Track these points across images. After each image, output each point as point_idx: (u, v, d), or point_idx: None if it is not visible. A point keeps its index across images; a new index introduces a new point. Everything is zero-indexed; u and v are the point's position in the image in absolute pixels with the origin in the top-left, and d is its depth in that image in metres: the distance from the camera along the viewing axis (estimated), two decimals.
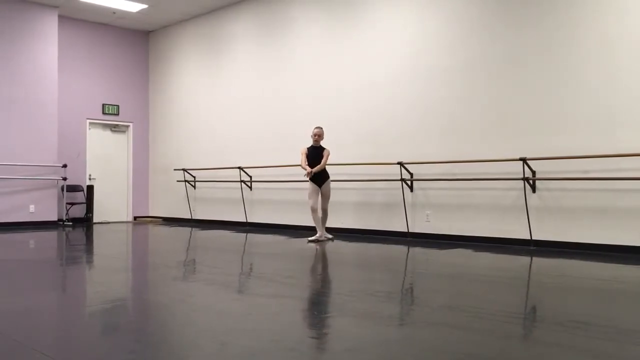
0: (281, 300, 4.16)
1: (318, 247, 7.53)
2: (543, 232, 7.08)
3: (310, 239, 8.14)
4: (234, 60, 11.23)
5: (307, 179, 8.06)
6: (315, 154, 8.06)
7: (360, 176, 8.87)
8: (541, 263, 6.09)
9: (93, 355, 2.78)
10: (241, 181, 10.73)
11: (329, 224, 8.59)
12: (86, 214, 11.91)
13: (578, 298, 4.29)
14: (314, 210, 8.06)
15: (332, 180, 8.64)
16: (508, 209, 7.37)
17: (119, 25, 12.64)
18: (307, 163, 8.06)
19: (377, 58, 8.80)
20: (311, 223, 9.57)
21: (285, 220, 10.11)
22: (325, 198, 8.15)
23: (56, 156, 11.28)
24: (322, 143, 8.20)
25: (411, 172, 8.29)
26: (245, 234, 9.52)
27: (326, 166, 8.07)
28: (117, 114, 12.75)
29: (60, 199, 11.47)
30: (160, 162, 12.93)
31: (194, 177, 11.94)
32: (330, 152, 8.14)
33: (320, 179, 8.06)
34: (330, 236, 8.33)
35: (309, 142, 8.68)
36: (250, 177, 10.67)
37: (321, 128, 8.19)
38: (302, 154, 8.16)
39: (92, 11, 11.66)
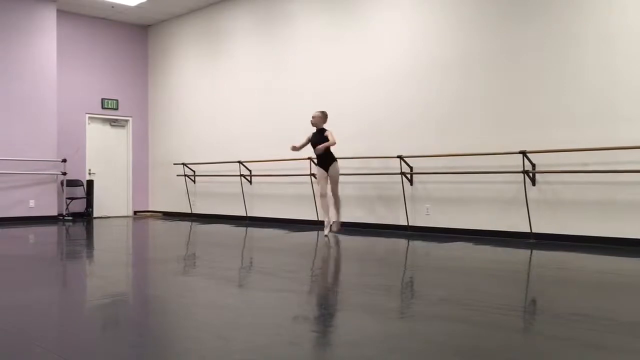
0: (282, 294, 4.17)
1: (326, 239, 7.52)
2: (543, 225, 7.08)
3: (325, 234, 7.89)
4: (234, 54, 11.21)
5: (292, 150, 8.08)
6: (317, 137, 7.85)
7: (360, 170, 8.86)
8: (541, 256, 6.09)
9: (94, 350, 2.78)
10: (241, 175, 10.72)
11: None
12: (86, 208, 11.91)
13: (578, 291, 4.29)
14: (322, 196, 7.84)
15: None
16: (508, 202, 7.37)
17: (118, 19, 12.60)
18: (302, 145, 8.05)
19: (377, 52, 8.78)
20: (311, 217, 9.59)
21: (285, 214, 10.11)
22: (334, 182, 7.87)
23: (56, 151, 11.26)
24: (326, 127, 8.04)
25: (411, 165, 8.28)
26: (245, 228, 9.52)
27: (332, 151, 7.83)
28: (117, 109, 12.73)
29: (60, 194, 11.46)
30: (160, 157, 12.92)
31: (194, 171, 11.93)
32: (334, 134, 7.80)
33: (325, 162, 7.81)
34: (335, 229, 8.03)
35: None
36: (250, 171, 10.67)
37: (320, 112, 7.95)
38: (305, 137, 8.08)
39: (91, 5, 11.62)
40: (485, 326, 3.18)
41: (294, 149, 8.05)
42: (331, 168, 7.84)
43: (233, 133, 11.14)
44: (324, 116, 7.95)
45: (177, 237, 8.51)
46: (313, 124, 7.94)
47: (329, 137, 7.71)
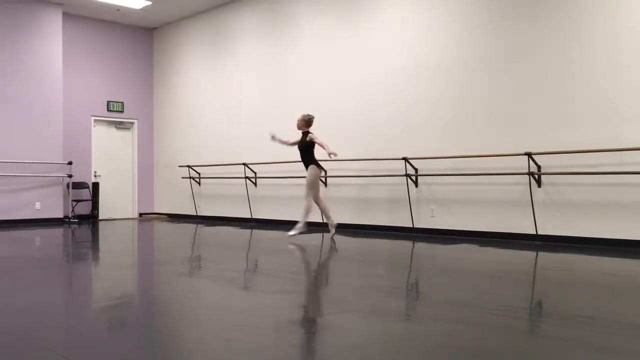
0: (286, 296, 4.17)
1: (332, 242, 7.52)
2: (549, 227, 7.05)
3: (330, 236, 7.88)
4: (238, 57, 11.23)
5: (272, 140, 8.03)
6: (302, 140, 7.84)
7: (365, 172, 8.86)
8: (547, 257, 6.07)
9: (99, 352, 2.79)
10: (246, 177, 10.73)
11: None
12: (92, 211, 11.95)
13: (584, 292, 4.28)
14: (315, 201, 7.84)
15: (335, 176, 8.67)
16: (513, 204, 7.35)
17: (123, 22, 12.65)
18: (289, 143, 8.05)
19: (382, 53, 8.77)
20: (316, 219, 9.60)
21: (290, 216, 10.10)
22: (307, 184, 7.80)
23: (61, 153, 11.31)
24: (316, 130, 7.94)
25: (416, 167, 8.27)
26: (250, 230, 9.53)
27: (314, 155, 7.79)
28: (122, 111, 12.77)
29: (66, 196, 11.51)
30: (165, 159, 12.95)
31: (199, 173, 11.95)
32: (318, 137, 7.69)
33: (306, 165, 7.81)
34: (294, 232, 7.88)
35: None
36: (255, 173, 10.68)
37: (301, 116, 7.87)
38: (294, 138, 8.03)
39: (96, 8, 11.67)
40: (490, 328, 3.17)
41: (279, 141, 8.00)
42: (309, 170, 7.78)
43: (238, 135, 11.15)
44: (302, 119, 7.86)
45: (182, 239, 8.52)
46: (297, 128, 7.92)
47: (316, 141, 7.64)
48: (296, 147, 7.97)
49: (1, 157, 10.54)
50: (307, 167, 7.85)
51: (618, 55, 6.53)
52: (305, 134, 7.84)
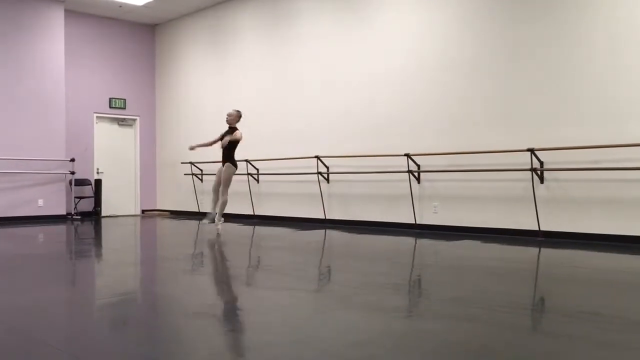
0: (289, 292, 4.17)
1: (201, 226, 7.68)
2: (551, 223, 7.05)
3: (203, 221, 8.21)
4: (241, 53, 11.22)
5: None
6: (226, 135, 8.09)
7: (367, 168, 8.85)
8: (550, 254, 6.07)
9: (102, 349, 2.79)
10: (248, 174, 10.73)
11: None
12: (94, 207, 11.96)
13: (587, 289, 4.27)
14: (213, 190, 8.17)
15: (337, 172, 8.64)
16: (516, 200, 7.34)
17: (126, 18, 12.64)
18: (211, 143, 8.37)
19: (384, 50, 8.76)
20: (318, 215, 9.61)
21: (292, 213, 10.12)
22: (222, 181, 8.05)
23: (64, 150, 11.31)
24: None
25: (418, 163, 8.27)
26: (253, 226, 9.53)
27: (234, 155, 8.05)
28: (124, 108, 12.77)
29: (68, 193, 11.52)
30: (168, 156, 12.95)
31: (201, 170, 11.96)
32: (242, 134, 8.04)
33: (224, 160, 8.05)
34: (218, 227, 8.12)
35: (315, 135, 8.69)
36: (257, 169, 10.68)
37: (235, 111, 8.24)
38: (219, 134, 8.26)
39: (98, 5, 11.66)
40: (493, 325, 3.17)
41: (197, 147, 8.35)
42: (226, 168, 8.03)
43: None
44: (237, 115, 8.19)
45: (185, 236, 8.53)
46: (227, 122, 8.16)
47: (237, 135, 7.93)
48: (219, 144, 8.14)
49: (3, 154, 10.55)
50: (224, 161, 8.06)
51: (620, 52, 6.50)
52: (233, 129, 8.05)
